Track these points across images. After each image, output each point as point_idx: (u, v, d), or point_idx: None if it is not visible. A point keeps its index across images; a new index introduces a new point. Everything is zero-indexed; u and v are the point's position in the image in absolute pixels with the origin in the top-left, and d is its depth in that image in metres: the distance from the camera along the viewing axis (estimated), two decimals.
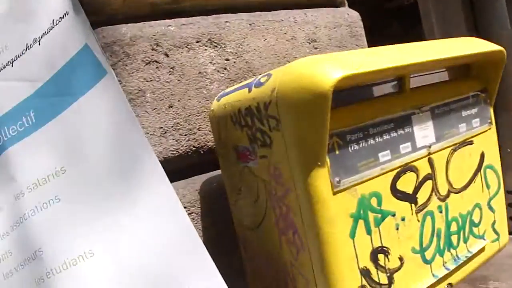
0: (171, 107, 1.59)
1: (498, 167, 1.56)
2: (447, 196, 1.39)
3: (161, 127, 1.58)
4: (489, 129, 1.52)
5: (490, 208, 1.53)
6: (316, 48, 1.91)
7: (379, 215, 1.22)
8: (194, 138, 1.65)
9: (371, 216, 1.21)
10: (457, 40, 1.51)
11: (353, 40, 2.00)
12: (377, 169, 1.22)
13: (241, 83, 1.40)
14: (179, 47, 1.59)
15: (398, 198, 1.27)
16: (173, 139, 1.61)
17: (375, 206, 1.22)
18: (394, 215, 1.26)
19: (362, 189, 1.19)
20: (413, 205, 1.30)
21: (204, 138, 1.67)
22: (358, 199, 1.18)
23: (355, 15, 2.03)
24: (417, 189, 1.31)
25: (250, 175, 1.33)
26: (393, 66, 1.10)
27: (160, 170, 1.33)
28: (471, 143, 1.45)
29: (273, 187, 1.24)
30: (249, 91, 1.26)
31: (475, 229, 1.49)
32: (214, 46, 1.66)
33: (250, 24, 1.73)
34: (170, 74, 1.58)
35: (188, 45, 1.61)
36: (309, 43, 1.89)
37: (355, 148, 1.18)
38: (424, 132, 1.32)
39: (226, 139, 1.42)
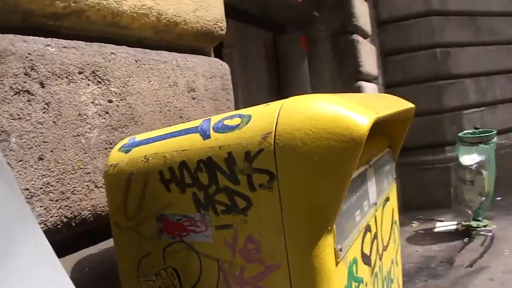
0: (42, 159, 1.10)
1: (398, 221, 1.59)
2: (382, 254, 1.32)
3: (27, 189, 1.06)
4: (394, 184, 1.55)
5: (397, 263, 1.53)
6: (194, 99, 1.66)
7: (357, 284, 1.05)
8: (67, 205, 1.17)
9: (353, 286, 1.02)
10: (383, 96, 1.49)
11: (224, 93, 1.83)
12: (355, 231, 1.05)
13: (170, 129, 1.06)
14: (59, 77, 1.13)
15: (364, 262, 1.12)
16: (42, 206, 1.10)
17: (355, 274, 1.04)
18: (363, 282, 1.10)
19: (349, 255, 1.00)
20: (370, 268, 1.18)
21: (78, 206, 1.21)
22: (347, 268, 0.98)
23: (226, 67, 1.88)
24: (371, 250, 1.20)
25: (186, 253, 0.99)
26: (401, 110, 0.97)
27: (47, 247, 0.87)
28: (388, 199, 1.44)
29: (238, 267, 0.93)
30: (205, 137, 0.95)
31: (392, 287, 1.45)
32: (98, 81, 1.25)
33: (136, 61, 1.38)
34: (44, 113, 1.10)
35: (69, 75, 1.16)
36: (188, 92, 1.63)
37: (344, 207, 0.99)
38: (372, 188, 1.23)
39: (141, 206, 1.04)
